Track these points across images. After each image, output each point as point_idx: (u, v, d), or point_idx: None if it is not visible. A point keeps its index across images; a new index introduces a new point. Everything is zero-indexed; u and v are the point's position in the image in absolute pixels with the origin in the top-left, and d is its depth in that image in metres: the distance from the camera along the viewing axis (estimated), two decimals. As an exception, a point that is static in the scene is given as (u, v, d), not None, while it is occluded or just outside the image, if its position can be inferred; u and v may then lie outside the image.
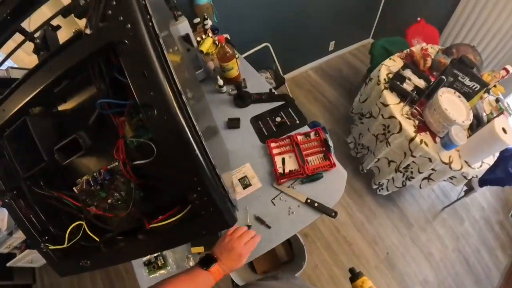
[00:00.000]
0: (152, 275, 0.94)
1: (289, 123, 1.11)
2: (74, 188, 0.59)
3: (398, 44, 1.94)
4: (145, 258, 0.97)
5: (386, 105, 1.49)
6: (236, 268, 0.67)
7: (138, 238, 0.53)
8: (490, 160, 1.43)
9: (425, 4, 2.29)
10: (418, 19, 2.07)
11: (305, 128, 1.10)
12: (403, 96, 1.50)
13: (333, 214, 0.92)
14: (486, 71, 1.65)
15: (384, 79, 1.57)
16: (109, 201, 0.57)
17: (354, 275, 0.65)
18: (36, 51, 0.47)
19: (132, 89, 0.36)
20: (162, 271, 0.94)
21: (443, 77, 1.45)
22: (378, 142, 1.64)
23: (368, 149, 1.80)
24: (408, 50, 1.75)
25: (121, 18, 0.35)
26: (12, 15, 0.48)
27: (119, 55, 0.36)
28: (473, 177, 1.46)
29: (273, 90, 1.17)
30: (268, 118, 1.13)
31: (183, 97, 0.39)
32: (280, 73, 2.06)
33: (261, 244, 0.87)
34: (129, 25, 0.35)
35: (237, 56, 1.22)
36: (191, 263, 0.93)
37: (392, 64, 1.65)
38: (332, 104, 2.53)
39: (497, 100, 1.62)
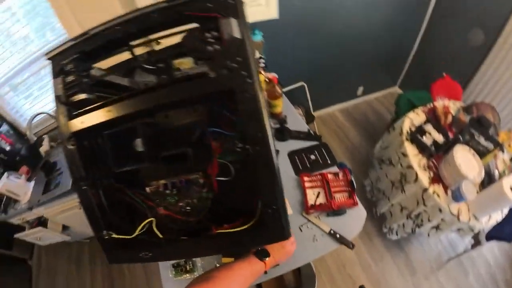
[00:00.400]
0: (177, 278, 0.99)
1: (321, 162, 1.24)
2: (147, 188, 0.67)
3: (423, 98, 2.09)
4: (173, 260, 1.03)
5: (405, 155, 1.60)
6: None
7: (201, 240, 0.62)
8: (497, 216, 1.49)
9: (452, 60, 2.46)
10: (444, 74, 2.23)
11: (334, 168, 1.23)
12: (422, 148, 1.62)
13: (351, 246, 1.02)
14: (504, 129, 1.75)
15: (407, 131, 1.69)
16: (180, 204, 0.68)
17: None
18: (155, 74, 0.59)
19: (244, 128, 0.49)
20: (188, 275, 0.99)
21: (460, 136, 1.56)
22: (394, 189, 1.73)
23: (384, 194, 1.88)
24: (431, 105, 1.88)
25: (244, 73, 0.48)
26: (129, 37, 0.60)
27: (237, 101, 0.49)
28: (479, 230, 1.53)
29: (311, 131, 1.32)
30: (303, 155, 1.26)
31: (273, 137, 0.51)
32: (311, 111, 2.23)
33: (287, 263, 0.95)
34: (249, 80, 0.48)
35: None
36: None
37: (415, 117, 1.78)
38: (354, 146, 2.67)
39: (511, 159, 1.71)
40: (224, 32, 0.47)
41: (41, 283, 2.11)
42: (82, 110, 0.57)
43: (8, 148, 1.82)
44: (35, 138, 1.85)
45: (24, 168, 1.81)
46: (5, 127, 1.84)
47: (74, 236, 2.09)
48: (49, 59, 0.62)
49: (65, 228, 2.00)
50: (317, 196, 1.10)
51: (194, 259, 1.02)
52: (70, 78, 0.58)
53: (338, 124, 2.87)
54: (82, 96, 0.57)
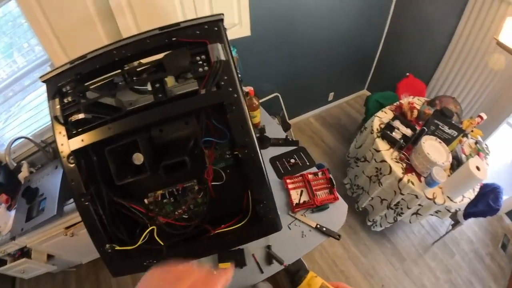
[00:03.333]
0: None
1: (300, 164, 1.34)
2: (145, 200, 0.73)
3: (390, 98, 2.26)
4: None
5: (378, 151, 1.74)
6: None
7: (201, 242, 0.67)
8: (470, 195, 1.64)
9: (413, 61, 2.70)
10: (407, 74, 2.44)
11: (314, 169, 1.33)
12: (392, 143, 1.76)
13: (338, 236, 1.10)
14: (466, 118, 1.93)
15: (377, 129, 1.84)
16: (177, 212, 0.73)
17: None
18: (153, 92, 0.63)
19: (234, 136, 0.56)
20: None
21: (425, 127, 1.72)
22: (372, 183, 1.86)
23: (363, 189, 2.00)
24: (397, 103, 2.05)
25: (230, 89, 0.57)
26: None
27: (227, 113, 0.56)
28: (456, 210, 1.67)
29: (288, 137, 1.42)
30: (284, 159, 1.36)
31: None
32: (286, 119, 2.35)
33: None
34: (235, 95, 0.57)
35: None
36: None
37: (384, 115, 1.94)
38: (331, 149, 2.82)
39: (476, 143, 1.89)
40: (212, 55, 0.54)
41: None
42: (82, 129, 0.62)
43: (-16, 177, 1.75)
44: (15, 164, 1.79)
45: (3, 196, 1.73)
46: (-21, 155, 1.77)
47: (59, 265, 2.02)
48: (44, 81, 0.65)
49: (49, 257, 1.93)
50: (301, 195, 1.19)
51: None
52: (68, 99, 0.62)
53: (313, 130, 3.03)
54: (81, 115, 0.61)
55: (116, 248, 0.66)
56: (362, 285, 1.93)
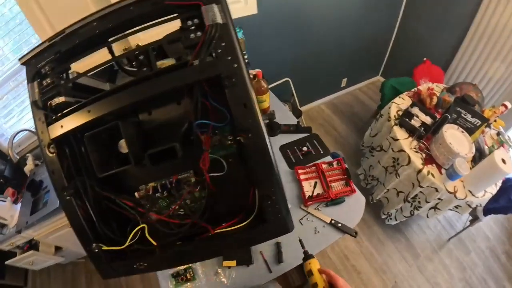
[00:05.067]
0: (178, 288, 0.95)
1: (314, 153, 1.23)
2: (136, 194, 0.64)
3: (406, 84, 2.12)
4: (172, 270, 0.98)
5: (396, 140, 1.61)
6: None
7: (198, 242, 0.58)
8: (492, 189, 1.51)
9: (430, 46, 2.52)
10: (424, 59, 2.27)
11: (328, 158, 1.22)
12: (411, 131, 1.63)
13: (354, 233, 1.00)
14: (487, 107, 1.77)
15: (394, 116, 1.70)
16: (172, 207, 0.63)
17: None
18: (137, 66, 0.54)
19: (234, 116, 0.46)
20: (189, 284, 0.96)
21: (447, 114, 1.58)
22: (388, 174, 1.74)
23: (378, 181, 1.88)
24: (415, 89, 1.90)
25: (229, 58, 0.46)
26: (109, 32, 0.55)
27: (225, 87, 0.46)
28: (477, 205, 1.54)
29: (300, 123, 1.30)
30: (295, 147, 1.26)
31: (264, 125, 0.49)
32: (297, 106, 2.23)
33: (289, 260, 0.94)
34: (235, 65, 0.46)
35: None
36: (222, 278, 0.95)
37: (401, 102, 1.80)
38: (342, 137, 2.70)
39: (498, 134, 1.75)
40: (206, 18, 0.44)
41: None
42: (60, 114, 0.54)
43: (-10, 170, 1.74)
44: (18, 158, 1.76)
45: (9, 190, 1.72)
46: (-15, 149, 1.75)
47: (68, 256, 2.01)
48: (23, 63, 0.58)
49: (58, 249, 1.93)
50: (314, 187, 1.09)
51: (194, 266, 0.99)
52: (47, 81, 0.55)
53: (325, 118, 2.90)
54: (61, 99, 0.54)
55: (103, 248, 0.59)
56: (375, 281, 1.84)
